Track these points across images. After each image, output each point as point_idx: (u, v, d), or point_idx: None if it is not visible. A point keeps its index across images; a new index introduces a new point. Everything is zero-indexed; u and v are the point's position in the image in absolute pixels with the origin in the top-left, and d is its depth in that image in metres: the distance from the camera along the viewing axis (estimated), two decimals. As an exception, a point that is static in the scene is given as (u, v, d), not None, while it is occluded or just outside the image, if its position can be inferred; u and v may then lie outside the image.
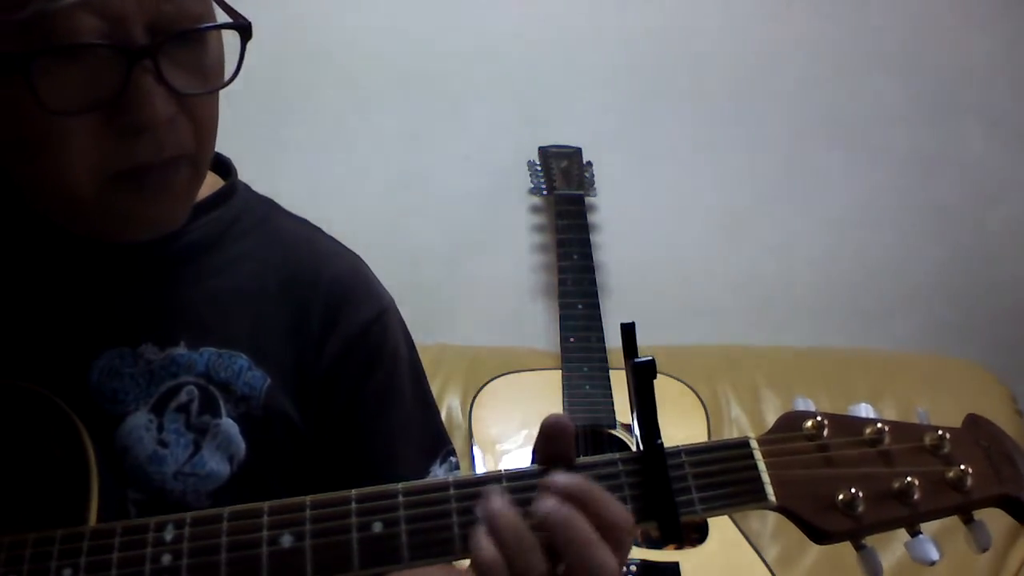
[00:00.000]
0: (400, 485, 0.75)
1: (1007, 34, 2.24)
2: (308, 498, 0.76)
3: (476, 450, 1.81)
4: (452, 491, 0.75)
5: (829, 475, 0.76)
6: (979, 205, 2.24)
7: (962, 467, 0.76)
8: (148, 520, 0.76)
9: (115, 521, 0.78)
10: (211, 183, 1.00)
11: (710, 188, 2.22)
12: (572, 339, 1.93)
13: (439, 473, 1.01)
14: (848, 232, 2.23)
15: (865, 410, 0.80)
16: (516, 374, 1.95)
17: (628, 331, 0.79)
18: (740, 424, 1.95)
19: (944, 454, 0.77)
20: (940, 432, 0.77)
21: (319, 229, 1.06)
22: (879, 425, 0.78)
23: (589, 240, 2.06)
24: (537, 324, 2.15)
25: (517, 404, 1.89)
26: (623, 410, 1.83)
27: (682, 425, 1.84)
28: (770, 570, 1.67)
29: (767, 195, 2.23)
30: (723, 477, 0.76)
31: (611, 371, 1.88)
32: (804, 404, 0.81)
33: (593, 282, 2.01)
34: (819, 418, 0.78)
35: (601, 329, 1.95)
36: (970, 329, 2.21)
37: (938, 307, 2.23)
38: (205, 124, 0.85)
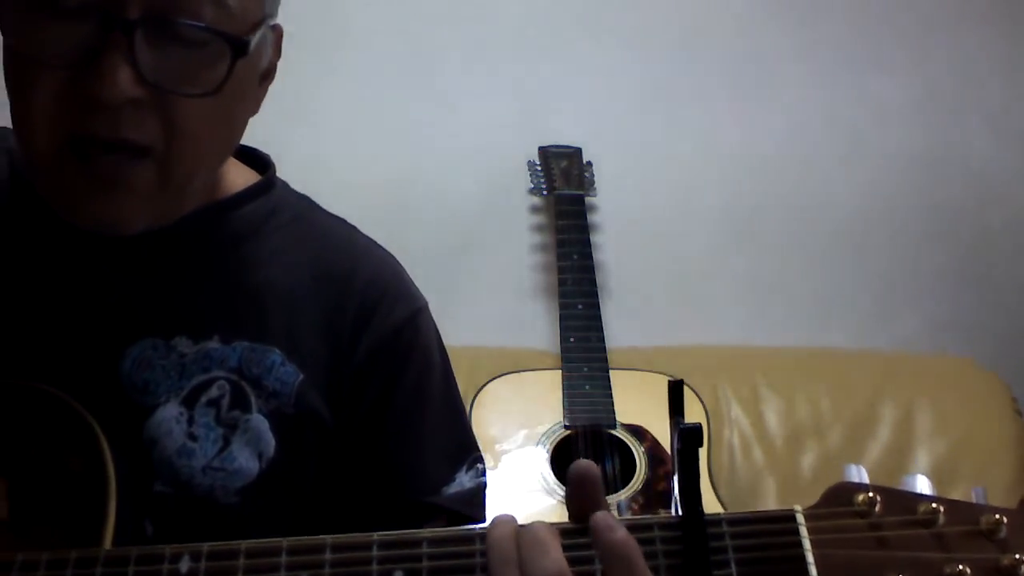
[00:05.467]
0: (425, 532, 0.73)
1: (1007, 34, 2.24)
2: (329, 538, 0.74)
3: (476, 450, 1.81)
4: (478, 544, 0.72)
5: (877, 557, 0.72)
6: (979, 205, 2.24)
7: (1016, 556, 0.71)
8: (163, 548, 0.75)
9: (131, 546, 0.77)
10: (248, 178, 1.01)
11: (710, 188, 2.22)
12: (572, 339, 1.93)
13: (464, 479, 1.00)
14: (848, 232, 2.23)
15: (920, 483, 0.76)
16: (516, 374, 1.94)
17: (676, 389, 0.75)
18: (740, 424, 1.95)
19: (1000, 539, 0.73)
20: (997, 516, 0.73)
21: (356, 228, 1.06)
22: (934, 505, 0.74)
23: (589, 240, 2.06)
24: (537, 324, 2.15)
25: (517, 404, 1.89)
26: (623, 410, 1.83)
27: (682, 425, 1.84)
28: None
29: (767, 195, 2.22)
30: (765, 552, 0.72)
31: (611, 371, 1.88)
32: (858, 474, 0.76)
33: (593, 282, 2.01)
34: (871, 493, 0.74)
35: (601, 329, 1.95)
36: (970, 329, 2.21)
37: (938, 307, 2.22)
38: (182, 127, 0.83)
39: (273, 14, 0.90)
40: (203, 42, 0.82)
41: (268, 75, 0.94)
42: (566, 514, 0.75)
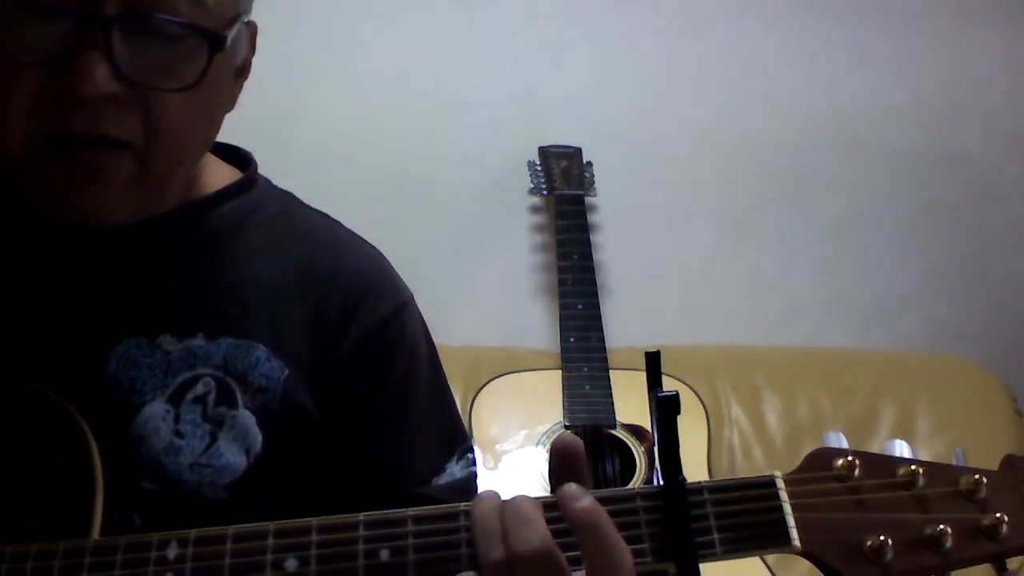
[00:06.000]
0: (410, 511, 0.74)
1: (1007, 34, 2.24)
2: (315, 520, 0.74)
3: (476, 450, 1.81)
4: (463, 520, 0.73)
5: (858, 520, 0.73)
6: (979, 205, 2.24)
7: (997, 515, 0.72)
8: (151, 536, 0.75)
9: (118, 536, 0.77)
10: (229, 175, 1.00)
11: (710, 188, 2.22)
12: (572, 339, 1.93)
13: (455, 469, 1.01)
14: (848, 232, 2.23)
15: (899, 448, 0.77)
16: (516, 374, 1.95)
17: (653, 360, 0.77)
18: (740, 424, 1.95)
19: (980, 499, 0.73)
20: (976, 476, 0.74)
21: (339, 223, 1.05)
22: (913, 467, 0.74)
23: (589, 240, 2.06)
24: (537, 324, 2.15)
25: (517, 404, 1.89)
26: (623, 410, 1.83)
27: (682, 425, 1.83)
28: (770, 570, 1.67)
29: (767, 195, 2.23)
30: (746, 518, 0.73)
31: (611, 371, 1.88)
32: (836, 440, 0.77)
33: (593, 282, 2.01)
34: (850, 457, 0.75)
35: (601, 329, 1.95)
36: (970, 329, 2.21)
37: (938, 307, 2.23)
38: (161, 122, 0.83)
39: (248, 10, 0.90)
40: (180, 37, 0.82)
41: (243, 71, 0.94)
42: None
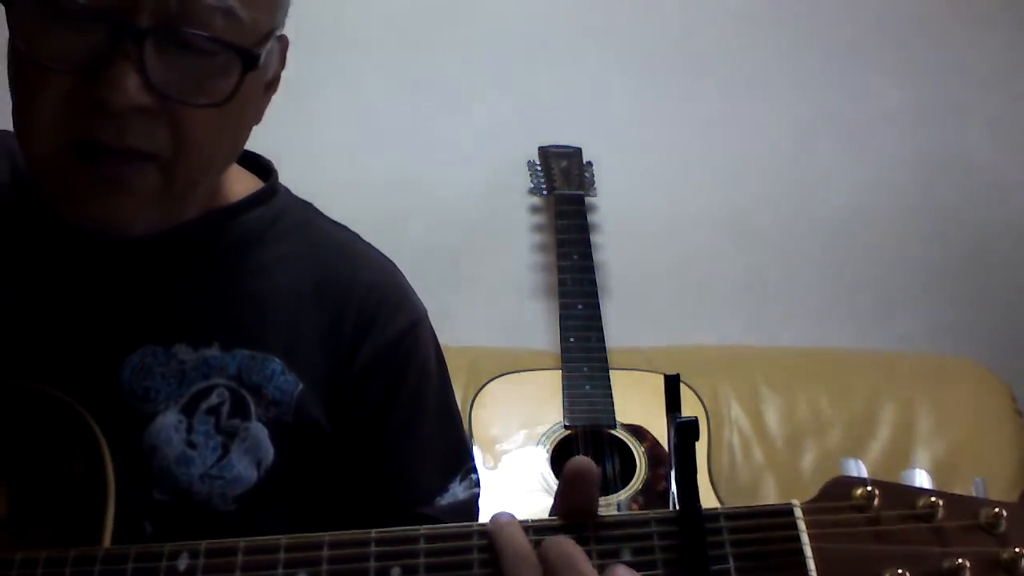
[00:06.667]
0: (423, 529, 0.73)
1: (1007, 34, 2.24)
2: (327, 535, 0.74)
3: (476, 450, 1.81)
4: (475, 540, 0.72)
5: (876, 552, 0.72)
6: (979, 205, 2.24)
7: (1016, 549, 0.71)
8: (162, 546, 0.75)
9: (129, 544, 0.77)
10: (251, 184, 1.01)
11: (710, 188, 2.22)
12: (572, 339, 1.93)
13: (458, 490, 1.01)
14: (848, 232, 2.23)
15: (919, 477, 0.76)
16: (516, 374, 1.94)
17: (672, 384, 0.75)
18: (740, 424, 1.95)
19: (1000, 533, 0.72)
20: (996, 509, 0.73)
21: (357, 235, 1.06)
22: (932, 498, 0.73)
23: (589, 240, 2.06)
24: (537, 324, 2.15)
25: (517, 404, 1.89)
26: (623, 410, 1.83)
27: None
28: None
29: (767, 195, 2.23)
30: (763, 547, 0.72)
31: (611, 371, 1.88)
32: (856, 468, 0.76)
33: (593, 282, 2.01)
34: (869, 487, 0.74)
35: (601, 329, 1.95)
36: (970, 329, 2.21)
37: (938, 307, 2.23)
38: (189, 136, 0.82)
39: (281, 25, 0.90)
40: (213, 53, 0.81)
41: (272, 84, 0.94)
42: None
